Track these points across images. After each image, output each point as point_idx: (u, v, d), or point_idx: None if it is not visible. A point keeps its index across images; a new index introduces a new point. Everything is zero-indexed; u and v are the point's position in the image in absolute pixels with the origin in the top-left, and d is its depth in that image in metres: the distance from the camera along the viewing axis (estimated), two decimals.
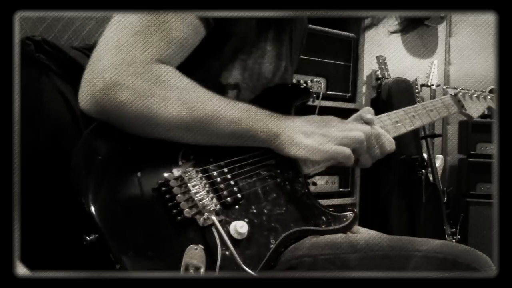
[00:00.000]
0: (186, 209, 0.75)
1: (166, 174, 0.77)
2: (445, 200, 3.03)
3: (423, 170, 2.98)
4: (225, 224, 0.78)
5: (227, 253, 0.75)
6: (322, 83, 2.35)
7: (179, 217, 0.75)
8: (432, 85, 3.19)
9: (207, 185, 0.79)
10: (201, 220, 0.76)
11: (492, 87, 3.12)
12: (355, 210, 0.93)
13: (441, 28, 3.56)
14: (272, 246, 0.82)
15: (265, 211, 0.83)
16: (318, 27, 2.35)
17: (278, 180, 0.88)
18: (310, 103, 1.02)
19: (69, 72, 0.81)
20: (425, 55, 3.52)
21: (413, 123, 1.08)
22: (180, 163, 0.79)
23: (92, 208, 0.70)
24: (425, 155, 3.01)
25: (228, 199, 0.80)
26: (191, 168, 0.79)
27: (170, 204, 0.75)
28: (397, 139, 1.03)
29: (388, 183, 2.91)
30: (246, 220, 0.80)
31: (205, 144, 0.80)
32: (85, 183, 0.71)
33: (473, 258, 0.74)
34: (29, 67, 0.71)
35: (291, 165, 0.90)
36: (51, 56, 0.81)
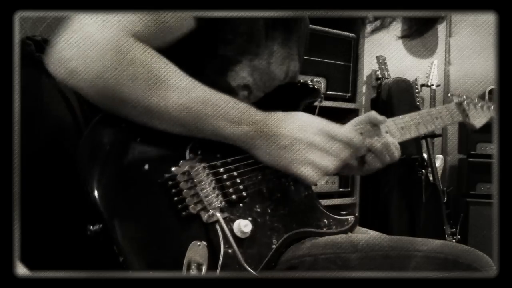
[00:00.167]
0: (192, 205, 0.75)
1: (173, 168, 0.76)
2: (445, 200, 3.03)
3: (423, 170, 2.98)
4: (229, 221, 0.78)
5: (229, 251, 0.76)
6: (322, 83, 2.35)
7: (184, 212, 0.75)
8: (432, 85, 3.19)
9: (213, 182, 0.79)
10: (205, 216, 0.76)
11: (492, 87, 3.13)
12: (356, 214, 0.94)
13: (441, 28, 3.56)
14: (274, 246, 0.82)
15: (269, 211, 0.83)
16: (318, 27, 2.35)
17: (283, 180, 0.88)
18: (317, 103, 1.02)
19: None
20: (425, 55, 3.52)
21: (418, 129, 1.09)
22: (188, 157, 0.79)
23: (97, 198, 0.70)
24: (425, 155, 3.01)
25: (233, 196, 0.80)
26: (198, 164, 0.79)
27: (176, 198, 0.75)
28: None
29: (388, 183, 2.91)
30: (249, 218, 0.80)
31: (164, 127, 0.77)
32: (92, 172, 0.71)
33: (473, 258, 0.74)
34: (29, 67, 0.71)
35: None
36: None
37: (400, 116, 1.07)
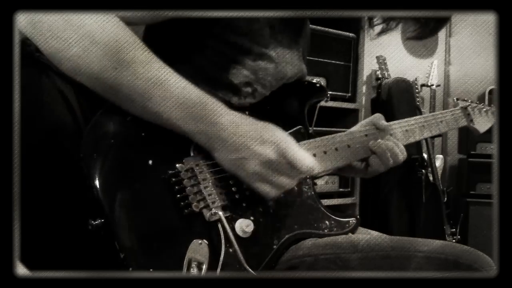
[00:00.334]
0: (195, 203, 0.75)
1: (178, 165, 0.77)
2: (445, 200, 3.03)
3: (423, 170, 2.98)
4: (231, 220, 0.78)
5: (230, 250, 0.76)
6: (322, 83, 2.35)
7: (186, 210, 0.75)
8: (432, 85, 3.19)
9: (217, 180, 0.79)
10: (208, 214, 0.76)
11: (492, 87, 3.13)
12: (358, 216, 0.94)
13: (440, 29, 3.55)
14: (275, 247, 0.82)
15: (271, 211, 0.83)
16: (318, 27, 2.35)
17: None
18: (323, 102, 1.02)
19: None
20: (425, 55, 3.52)
21: (422, 133, 1.09)
22: (192, 154, 0.79)
23: (100, 192, 0.70)
24: (425, 155, 3.01)
25: (236, 195, 0.80)
26: (202, 161, 0.79)
27: (179, 196, 0.75)
28: None
29: (388, 183, 2.90)
30: (252, 218, 0.80)
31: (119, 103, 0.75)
32: (95, 166, 0.71)
33: (474, 258, 0.74)
34: (29, 67, 0.71)
35: None
36: None
37: (405, 119, 1.07)
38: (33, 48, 0.75)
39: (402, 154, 0.99)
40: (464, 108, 1.23)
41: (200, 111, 0.75)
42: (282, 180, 0.79)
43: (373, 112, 1.06)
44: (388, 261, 0.78)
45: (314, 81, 1.01)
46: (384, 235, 0.93)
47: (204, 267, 0.72)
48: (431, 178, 3.02)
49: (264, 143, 0.77)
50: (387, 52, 3.12)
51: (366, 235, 0.92)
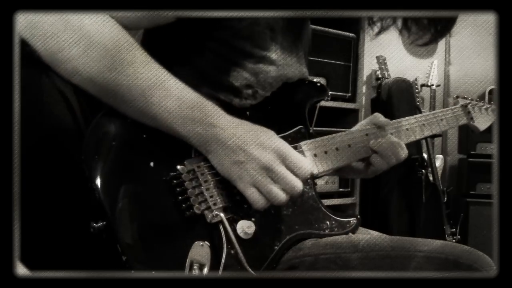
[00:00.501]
0: (196, 205, 0.75)
1: (179, 167, 0.77)
2: (445, 200, 3.03)
3: (423, 170, 2.98)
4: (233, 222, 0.78)
5: (232, 251, 0.76)
6: (323, 83, 2.35)
7: (188, 212, 0.75)
8: (432, 85, 3.19)
9: (218, 181, 0.79)
10: (209, 216, 0.76)
11: (492, 87, 3.13)
12: (358, 216, 0.94)
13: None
14: (276, 248, 0.82)
15: (272, 212, 0.83)
16: (318, 27, 2.35)
17: None
18: (323, 102, 1.02)
19: None
20: (425, 55, 3.52)
21: (423, 131, 1.09)
22: (193, 155, 0.79)
23: (102, 195, 0.70)
24: (425, 155, 3.01)
25: (238, 197, 0.80)
26: (203, 163, 0.78)
27: (180, 198, 0.75)
28: None
29: (388, 183, 2.91)
30: (253, 219, 0.80)
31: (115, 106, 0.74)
32: (96, 168, 0.71)
33: (474, 258, 0.74)
34: (29, 67, 0.71)
35: None
36: None
37: (406, 117, 1.07)
38: (33, 48, 0.75)
39: (404, 152, 0.99)
40: (465, 106, 1.23)
41: (199, 112, 0.75)
42: (276, 191, 0.76)
43: (373, 112, 1.06)
44: (388, 261, 0.78)
45: (315, 80, 1.01)
46: (384, 235, 0.93)
47: (205, 268, 0.72)
48: (431, 178, 3.02)
49: (264, 148, 0.77)
50: (387, 52, 3.12)
51: (366, 235, 0.92)
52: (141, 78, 0.72)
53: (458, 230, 3.02)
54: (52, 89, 0.75)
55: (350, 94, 2.56)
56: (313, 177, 0.91)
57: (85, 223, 0.71)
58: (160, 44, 0.89)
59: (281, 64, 0.92)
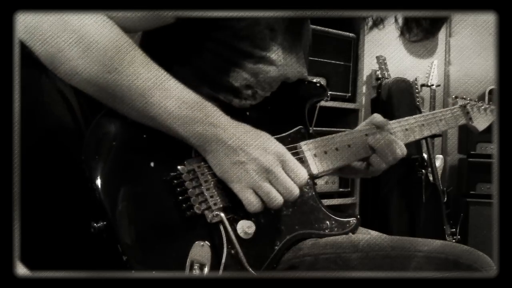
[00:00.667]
0: (196, 205, 0.75)
1: (179, 167, 0.77)
2: (445, 200, 3.04)
3: (423, 170, 2.98)
4: (233, 222, 0.78)
5: (232, 251, 0.76)
6: (322, 83, 2.35)
7: (188, 212, 0.75)
8: (432, 85, 3.19)
9: (218, 181, 0.78)
10: (209, 216, 0.76)
11: (492, 87, 3.13)
12: (358, 216, 0.94)
13: (441, 28, 3.56)
14: (276, 247, 0.82)
15: (272, 212, 0.83)
16: (318, 27, 2.35)
17: None
18: (323, 102, 1.02)
19: None
20: (425, 55, 3.52)
21: (422, 131, 1.09)
22: (193, 155, 0.79)
23: (102, 195, 0.70)
24: (425, 155, 3.01)
25: (238, 197, 0.80)
26: (203, 163, 0.78)
27: (180, 198, 0.75)
28: None
29: (388, 183, 2.91)
30: (253, 219, 0.80)
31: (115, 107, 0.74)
32: (97, 168, 0.71)
33: (474, 258, 0.74)
34: (29, 67, 0.71)
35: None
36: None
37: (405, 118, 1.07)
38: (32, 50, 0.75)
39: (401, 150, 0.98)
40: (464, 106, 1.23)
41: (199, 112, 0.75)
42: (274, 194, 0.76)
43: (373, 112, 1.06)
44: (388, 261, 0.78)
45: (315, 80, 1.01)
46: (384, 235, 0.93)
47: (206, 268, 0.72)
48: (431, 178, 3.02)
49: (265, 150, 0.77)
50: (387, 52, 3.12)
51: (366, 235, 0.92)
52: (141, 79, 0.72)
53: (458, 230, 3.02)
54: (52, 89, 0.75)
55: (350, 94, 2.56)
56: (313, 177, 0.91)
57: (86, 223, 0.71)
58: (159, 45, 0.89)
59: (281, 64, 0.92)
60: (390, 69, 3.09)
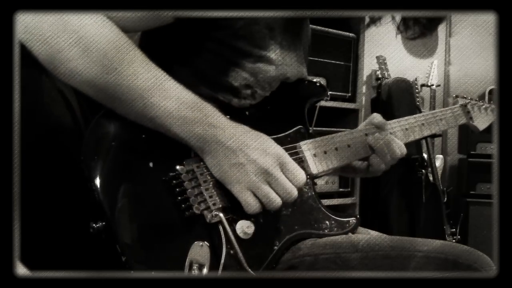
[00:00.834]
0: (195, 205, 0.75)
1: (178, 167, 0.76)
2: (445, 200, 3.04)
3: (423, 170, 2.98)
4: (232, 222, 0.78)
5: (231, 251, 0.76)
6: (322, 83, 2.36)
7: (187, 212, 0.75)
8: (432, 85, 3.19)
9: (217, 181, 0.78)
10: (209, 216, 0.76)
11: (492, 87, 3.13)
12: (358, 216, 0.94)
13: (441, 28, 3.56)
14: (275, 247, 0.82)
15: (271, 212, 0.83)
16: (318, 27, 2.35)
17: None
18: (323, 102, 1.02)
19: None
20: (425, 55, 3.52)
21: (422, 131, 1.09)
22: (192, 155, 0.78)
23: (101, 195, 0.70)
24: (425, 155, 3.01)
25: None
26: (202, 163, 0.78)
27: (179, 198, 0.75)
28: None
29: (388, 183, 2.91)
30: (252, 219, 0.80)
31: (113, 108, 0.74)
32: (96, 168, 0.71)
33: (474, 258, 0.74)
34: (29, 67, 0.71)
35: (299, 166, 0.90)
36: None
37: (405, 117, 1.07)
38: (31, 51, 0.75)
39: (400, 150, 0.98)
40: (464, 106, 1.23)
41: (198, 112, 0.75)
42: (273, 195, 0.76)
43: (373, 112, 1.06)
44: (388, 261, 0.78)
45: (314, 80, 1.01)
46: (384, 235, 0.93)
47: (205, 268, 0.72)
48: (431, 178, 3.02)
49: (264, 151, 0.77)
50: (387, 52, 3.12)
51: (366, 235, 0.92)
52: (141, 79, 0.72)
53: (458, 230, 3.02)
54: (52, 89, 0.75)
55: (350, 94, 2.56)
56: (313, 177, 0.91)
57: (85, 224, 0.71)
58: (158, 45, 0.89)
59: (281, 63, 0.92)
60: (390, 69, 3.09)
